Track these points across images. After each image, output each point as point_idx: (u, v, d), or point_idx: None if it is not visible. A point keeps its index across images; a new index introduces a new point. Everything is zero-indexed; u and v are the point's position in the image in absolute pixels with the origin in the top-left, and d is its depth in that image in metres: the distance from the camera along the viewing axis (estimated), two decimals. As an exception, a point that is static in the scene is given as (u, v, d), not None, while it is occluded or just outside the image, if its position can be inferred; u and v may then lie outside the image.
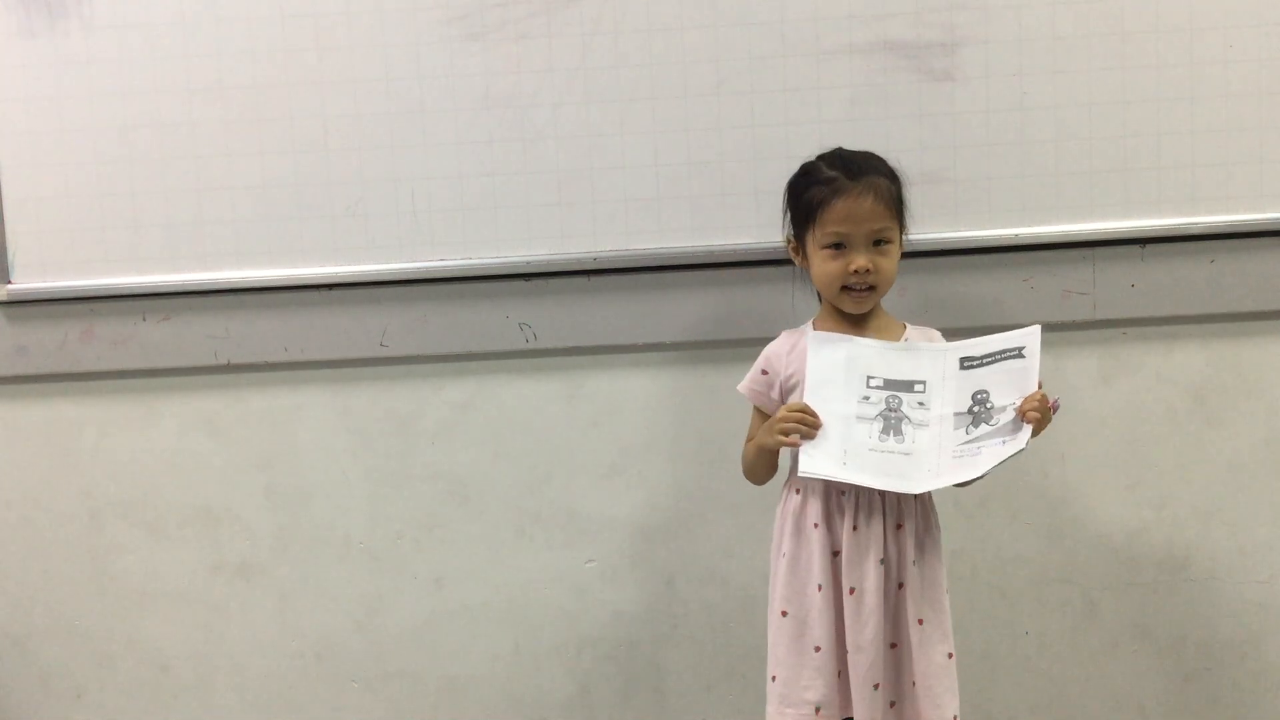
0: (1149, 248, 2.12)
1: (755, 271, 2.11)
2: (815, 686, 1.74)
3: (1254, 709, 2.23)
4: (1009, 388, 1.70)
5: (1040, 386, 1.70)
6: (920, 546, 1.77)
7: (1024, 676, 2.24)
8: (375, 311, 2.19)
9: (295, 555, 2.27)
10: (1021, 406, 1.68)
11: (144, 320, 2.21)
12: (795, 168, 1.83)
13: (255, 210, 2.16)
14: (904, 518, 1.76)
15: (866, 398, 1.73)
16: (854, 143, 2.06)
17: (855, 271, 1.72)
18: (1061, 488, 2.21)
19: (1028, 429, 1.67)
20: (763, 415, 1.82)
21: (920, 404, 1.72)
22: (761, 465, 1.82)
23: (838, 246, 1.73)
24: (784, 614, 1.77)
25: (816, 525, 1.75)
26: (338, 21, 2.12)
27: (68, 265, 2.18)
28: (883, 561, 1.74)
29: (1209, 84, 2.08)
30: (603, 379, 2.22)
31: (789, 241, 1.83)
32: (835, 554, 1.75)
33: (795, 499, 1.79)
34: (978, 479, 1.71)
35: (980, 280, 2.13)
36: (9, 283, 2.18)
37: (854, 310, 1.78)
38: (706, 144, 2.12)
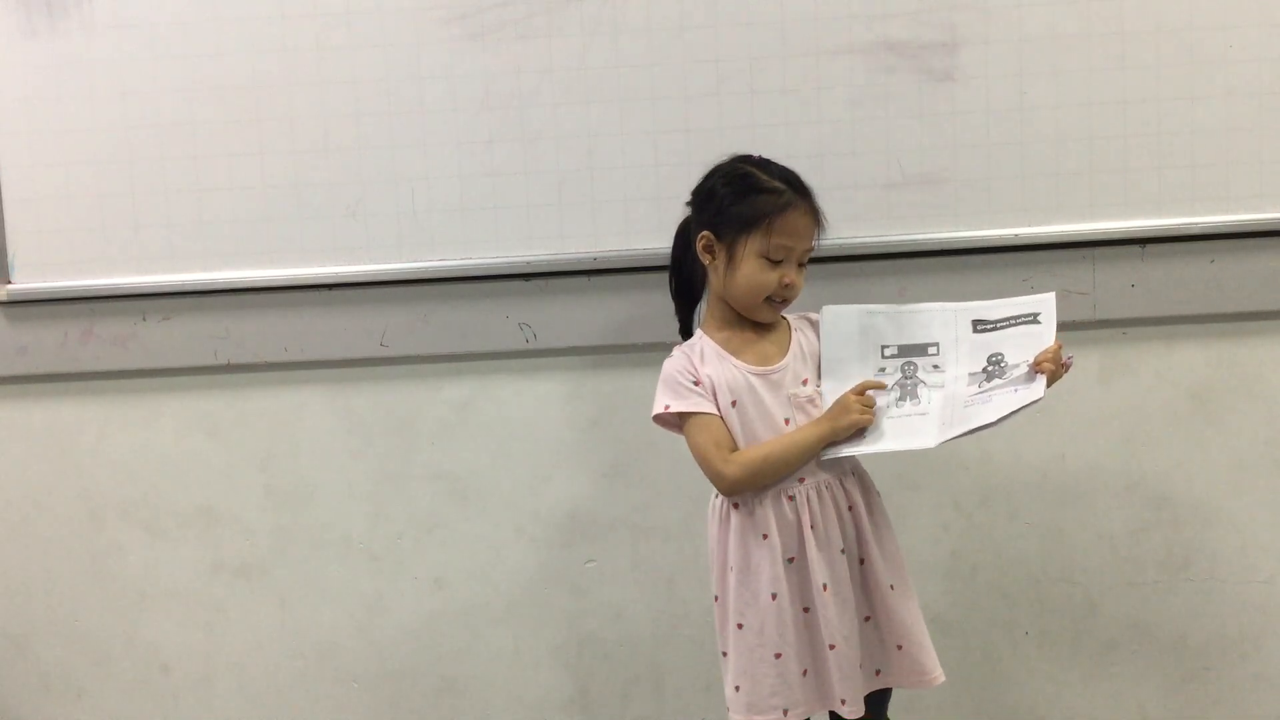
0: (1149, 248, 2.12)
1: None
2: (780, 692, 1.74)
3: (1254, 709, 2.23)
4: (1024, 351, 1.69)
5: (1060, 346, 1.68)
6: (872, 517, 1.78)
7: (1024, 676, 2.24)
8: (375, 311, 2.19)
9: (295, 555, 2.28)
10: (1036, 359, 1.66)
11: (144, 320, 2.21)
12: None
13: (255, 210, 2.16)
14: (852, 497, 1.76)
15: (883, 369, 1.75)
16: (854, 142, 2.07)
17: (787, 285, 1.74)
18: (1061, 488, 2.21)
19: (1042, 379, 1.64)
20: (713, 420, 1.74)
21: (935, 366, 1.74)
22: (802, 461, 1.73)
23: (778, 260, 1.73)
24: (739, 626, 1.76)
25: (766, 535, 1.73)
26: (338, 21, 2.12)
27: (68, 265, 2.18)
28: (843, 550, 1.74)
29: (1209, 84, 2.08)
30: (603, 379, 2.22)
31: (704, 239, 1.77)
32: (790, 560, 1.73)
33: (736, 512, 1.75)
34: (988, 426, 1.64)
35: (980, 280, 2.13)
36: (9, 283, 2.19)
37: (768, 319, 1.79)
38: (706, 144, 2.11)
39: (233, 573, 2.29)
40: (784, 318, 1.83)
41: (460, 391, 2.23)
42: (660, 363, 2.19)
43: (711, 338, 1.79)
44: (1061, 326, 2.12)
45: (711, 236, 1.77)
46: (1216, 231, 2.10)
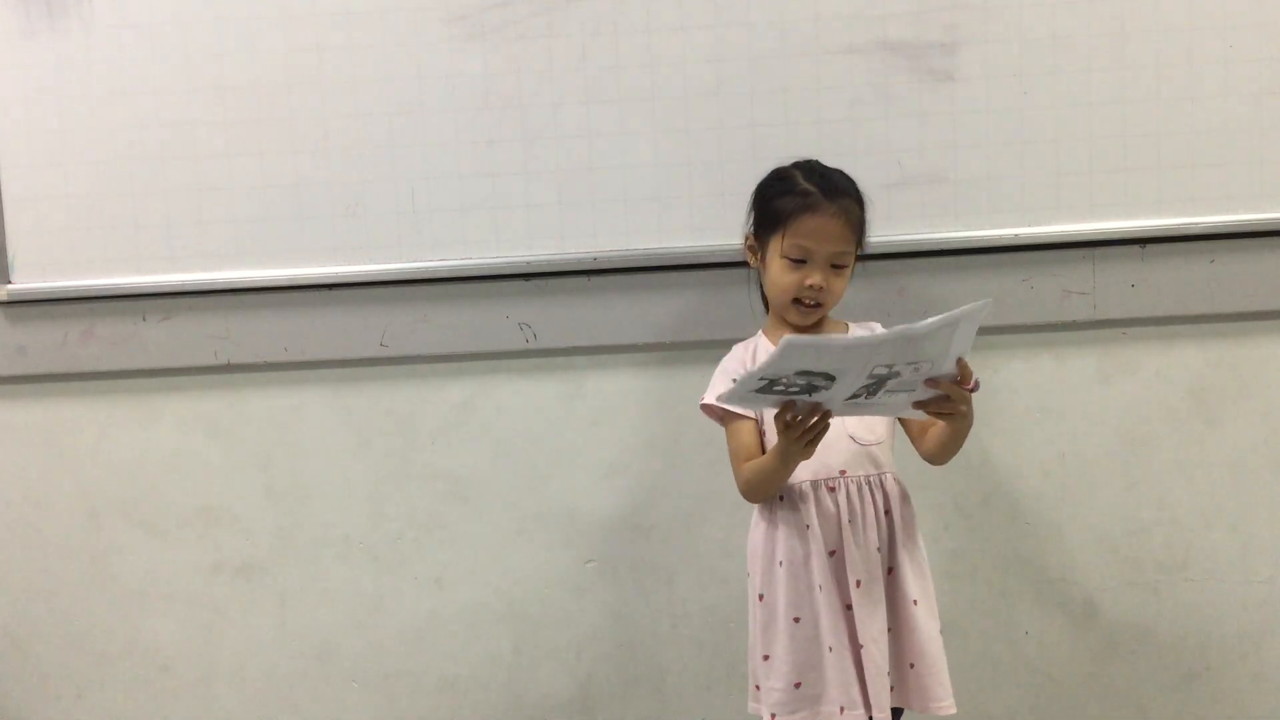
0: (1149, 248, 2.12)
1: (755, 272, 2.11)
2: (837, 685, 1.74)
3: (1254, 709, 2.23)
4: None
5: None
6: (906, 529, 1.78)
7: (1024, 676, 2.24)
8: (375, 311, 2.19)
9: (295, 555, 2.27)
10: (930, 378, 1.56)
11: (144, 320, 2.21)
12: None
13: (255, 210, 2.16)
14: (890, 503, 1.77)
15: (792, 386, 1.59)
16: (854, 142, 2.07)
17: (810, 287, 1.75)
18: (1061, 488, 2.21)
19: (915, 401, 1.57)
20: (744, 424, 1.78)
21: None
22: (780, 482, 1.74)
23: (800, 260, 1.75)
24: (796, 620, 1.76)
25: (809, 526, 1.75)
26: (338, 21, 2.12)
27: (68, 265, 2.18)
28: (879, 549, 1.75)
29: (1209, 84, 2.08)
30: (603, 379, 2.22)
31: (748, 239, 1.86)
32: (831, 553, 1.75)
33: (781, 505, 1.78)
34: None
35: (980, 280, 2.13)
36: (9, 283, 2.18)
37: (799, 322, 1.80)
38: (706, 144, 2.12)
39: (233, 573, 2.29)
40: (845, 324, 1.85)
41: (460, 391, 2.23)
42: (658, 364, 2.20)
43: (767, 336, 1.85)
44: (1062, 326, 2.15)
45: (752, 237, 1.84)
46: (1216, 231, 2.10)
